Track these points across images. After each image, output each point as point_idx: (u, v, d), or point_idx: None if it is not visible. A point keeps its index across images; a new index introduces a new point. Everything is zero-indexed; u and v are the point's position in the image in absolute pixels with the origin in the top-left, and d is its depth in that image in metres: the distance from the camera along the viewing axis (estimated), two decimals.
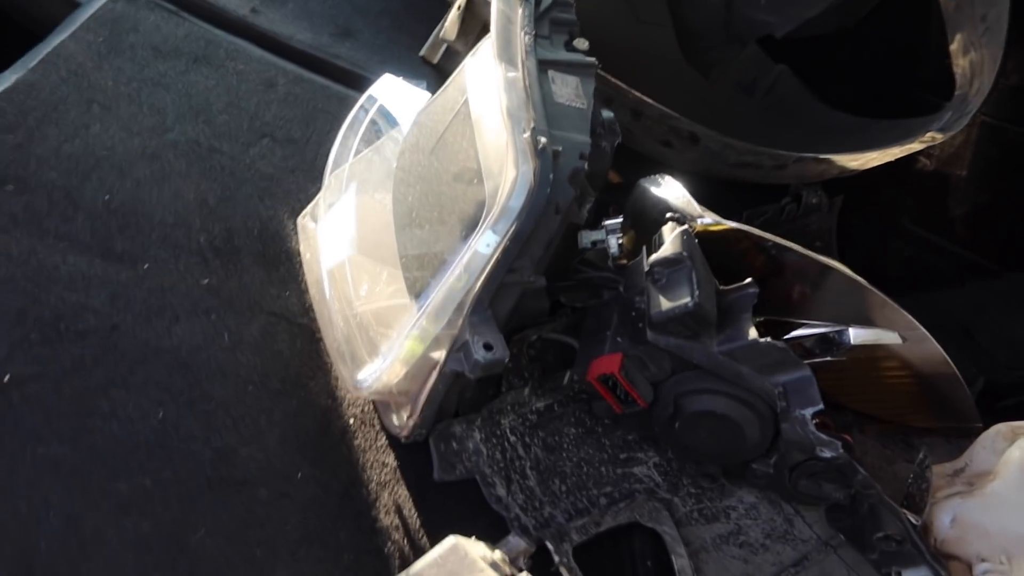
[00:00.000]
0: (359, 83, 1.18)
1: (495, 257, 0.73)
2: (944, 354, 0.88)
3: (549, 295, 0.91)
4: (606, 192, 1.21)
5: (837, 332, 0.86)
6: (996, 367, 1.06)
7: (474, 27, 1.15)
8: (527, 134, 0.76)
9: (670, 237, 0.77)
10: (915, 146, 1.19)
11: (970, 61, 1.30)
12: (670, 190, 0.85)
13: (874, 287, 0.89)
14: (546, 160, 0.75)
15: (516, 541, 0.76)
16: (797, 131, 1.49)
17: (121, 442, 0.68)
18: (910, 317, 0.86)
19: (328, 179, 0.89)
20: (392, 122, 0.98)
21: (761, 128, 1.51)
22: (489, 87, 0.81)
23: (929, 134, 1.16)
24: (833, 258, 1.29)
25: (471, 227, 0.75)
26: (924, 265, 1.31)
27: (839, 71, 1.61)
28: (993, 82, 1.23)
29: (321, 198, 0.89)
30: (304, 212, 0.91)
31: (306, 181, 0.99)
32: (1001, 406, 1.02)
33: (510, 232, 0.73)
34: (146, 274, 0.79)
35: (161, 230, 0.84)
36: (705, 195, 1.20)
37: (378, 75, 1.21)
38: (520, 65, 0.83)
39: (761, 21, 1.60)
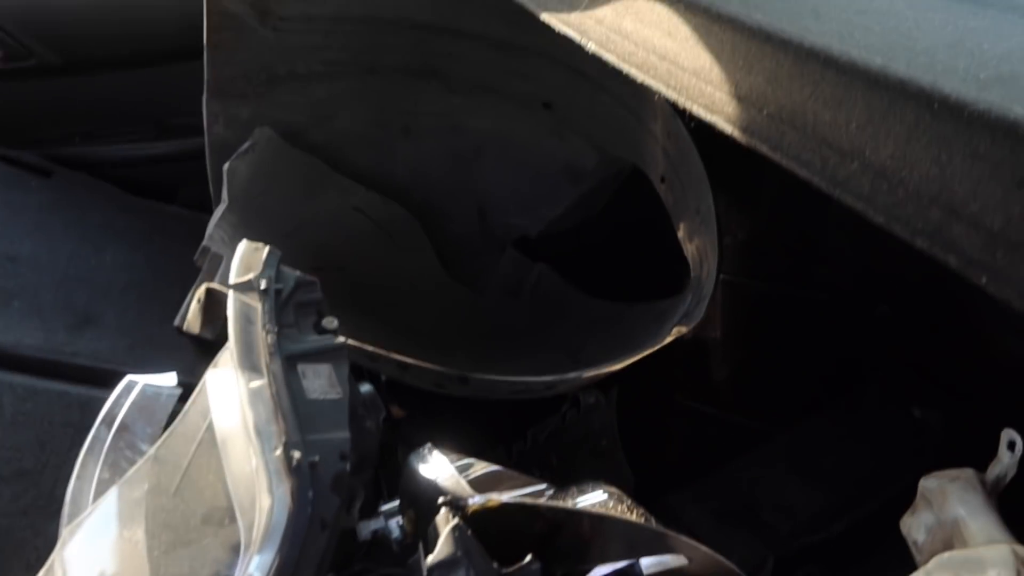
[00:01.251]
0: (106, 379, 1.09)
1: None
2: (727, 562, 0.91)
3: None
4: (391, 430, 1.19)
5: (628, 568, 0.87)
6: (780, 539, 1.12)
7: (219, 313, 1.12)
8: (279, 451, 0.73)
9: (444, 533, 0.75)
10: (667, 340, 1.28)
11: (696, 247, 1.45)
12: (439, 469, 0.84)
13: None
14: (303, 476, 0.72)
15: None
16: (566, 326, 1.57)
17: None
18: (688, 540, 0.89)
19: (62, 533, 0.79)
20: (140, 438, 0.91)
21: (532, 328, 1.58)
22: (232, 404, 0.78)
23: (675, 328, 1.27)
24: (618, 453, 1.35)
25: (230, 572, 0.69)
26: (702, 439, 1.39)
27: (593, 259, 1.74)
28: (718, 266, 1.38)
29: (54, 558, 0.78)
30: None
31: (43, 522, 0.88)
32: None
33: (273, 568, 0.68)
34: None
35: None
36: (483, 419, 1.22)
37: (128, 364, 1.14)
38: (264, 370, 0.80)
39: (514, 224, 1.71)
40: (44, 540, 0.86)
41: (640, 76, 0.98)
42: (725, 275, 1.67)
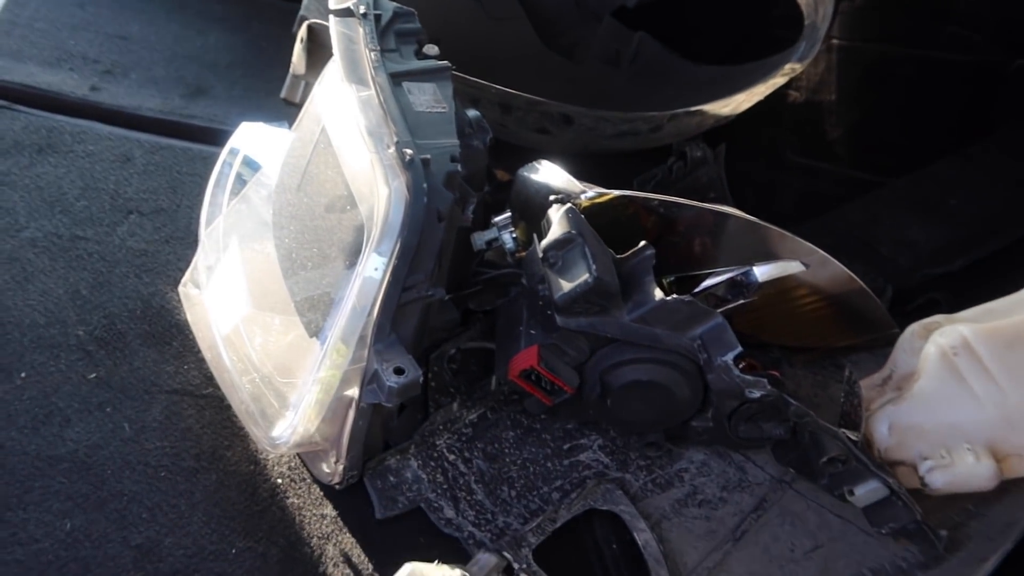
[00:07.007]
0: (222, 138, 1.13)
1: (386, 279, 0.71)
2: (847, 271, 0.89)
3: (457, 305, 0.89)
4: (498, 191, 1.20)
5: (743, 273, 0.86)
6: (900, 272, 1.09)
7: (322, 57, 1.12)
8: (392, 149, 0.74)
9: (556, 218, 0.76)
10: (778, 80, 1.22)
11: None
12: (549, 173, 0.84)
13: (769, 223, 0.90)
14: (416, 170, 0.74)
15: (486, 558, 0.73)
16: (668, 91, 1.51)
17: (29, 567, 0.63)
18: (808, 244, 0.87)
19: (203, 238, 0.85)
20: (258, 168, 0.95)
21: (633, 97, 1.53)
22: (344, 110, 0.79)
23: (788, 66, 1.20)
24: (728, 205, 1.32)
25: (355, 254, 0.72)
26: (814, 192, 1.34)
27: (696, 27, 1.64)
28: (835, 4, 1.28)
29: (199, 260, 0.85)
30: (184, 279, 0.87)
31: (184, 249, 0.95)
32: (912, 308, 1.05)
33: (395, 250, 0.71)
34: (25, 383, 0.74)
35: (33, 333, 0.79)
36: (590, 172, 1.21)
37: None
38: (371, 82, 0.81)
39: None
40: (184, 263, 0.93)
41: None
42: (841, 39, 1.56)
